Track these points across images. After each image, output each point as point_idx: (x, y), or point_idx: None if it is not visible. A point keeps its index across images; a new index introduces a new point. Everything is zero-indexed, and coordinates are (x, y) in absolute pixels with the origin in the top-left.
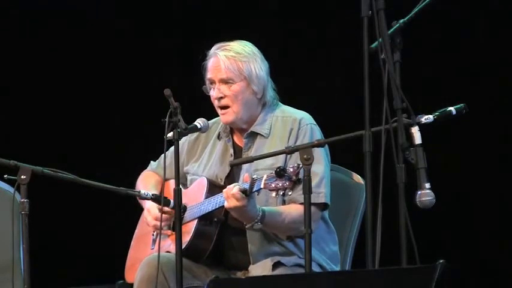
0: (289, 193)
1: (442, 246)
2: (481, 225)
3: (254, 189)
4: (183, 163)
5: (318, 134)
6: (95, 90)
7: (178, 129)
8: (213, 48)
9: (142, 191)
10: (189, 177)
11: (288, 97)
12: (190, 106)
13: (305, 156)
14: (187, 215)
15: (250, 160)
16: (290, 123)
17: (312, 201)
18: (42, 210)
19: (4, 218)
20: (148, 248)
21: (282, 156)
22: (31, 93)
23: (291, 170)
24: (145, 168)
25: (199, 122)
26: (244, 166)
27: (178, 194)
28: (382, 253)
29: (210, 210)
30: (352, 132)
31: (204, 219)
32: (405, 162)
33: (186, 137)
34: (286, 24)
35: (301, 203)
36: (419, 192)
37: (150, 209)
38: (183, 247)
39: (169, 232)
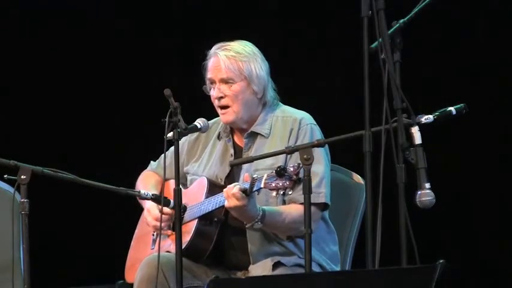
0: (290, 192)
1: (442, 246)
2: (481, 225)
3: (254, 189)
4: (183, 163)
5: (318, 134)
6: (95, 90)
7: (178, 129)
8: (213, 48)
9: (142, 191)
10: (189, 177)
11: (288, 97)
12: (190, 106)
13: (305, 156)
14: (187, 215)
15: (250, 160)
16: (290, 123)
17: (312, 201)
18: (42, 210)
19: (4, 218)
20: (148, 248)
21: (282, 156)
22: (31, 93)
23: (291, 169)
24: (146, 168)
25: (199, 122)
26: (245, 166)
27: (178, 194)
28: (382, 253)
29: (210, 210)
30: (352, 132)
31: (204, 219)
32: (405, 162)
33: (186, 137)
34: (286, 24)
35: (301, 203)
36: (419, 192)
37: (150, 209)
38: (183, 247)
39: (169, 232)
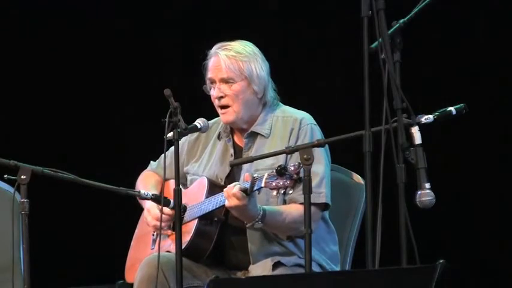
0: (290, 192)
1: (442, 246)
2: (481, 225)
3: (255, 188)
4: (183, 163)
5: (318, 134)
6: (95, 90)
7: (178, 129)
8: (213, 47)
9: (142, 191)
10: (189, 177)
11: (288, 97)
12: (190, 106)
13: (305, 156)
14: (187, 215)
15: (251, 160)
16: (291, 123)
17: (313, 201)
18: (42, 210)
19: (4, 218)
20: (149, 248)
21: (283, 156)
22: (31, 93)
23: (292, 168)
24: (146, 168)
25: (199, 122)
26: (245, 166)
27: (178, 194)
28: (382, 253)
29: (210, 209)
30: (352, 132)
31: (205, 218)
32: (405, 162)
33: (186, 137)
34: (286, 24)
35: (301, 203)
36: (419, 192)
37: (150, 209)
38: (183, 247)
39: (169, 232)
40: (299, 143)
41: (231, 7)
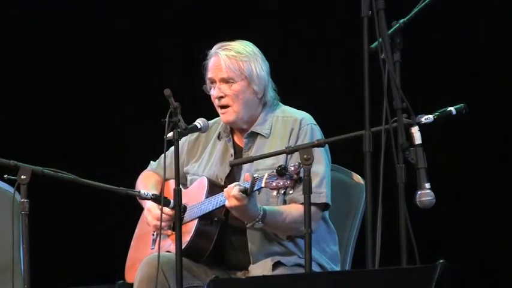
0: (290, 192)
1: (442, 246)
2: (481, 225)
3: (255, 188)
4: (183, 163)
5: (318, 134)
6: (95, 90)
7: (178, 129)
8: (214, 47)
9: (142, 191)
10: (189, 178)
11: (288, 97)
12: (190, 106)
13: (305, 156)
14: (187, 215)
15: (251, 160)
16: (291, 123)
17: (313, 201)
18: (42, 210)
19: (4, 218)
20: (149, 248)
21: (283, 157)
22: (31, 93)
23: (292, 168)
24: (146, 168)
25: (199, 122)
26: (245, 166)
27: (178, 194)
28: (382, 253)
29: (210, 209)
30: (352, 132)
31: (205, 218)
32: (405, 162)
33: (186, 137)
34: (286, 24)
35: (302, 203)
36: (419, 192)
37: (151, 209)
38: (183, 247)
39: (169, 232)
40: (299, 143)
41: (231, 7)
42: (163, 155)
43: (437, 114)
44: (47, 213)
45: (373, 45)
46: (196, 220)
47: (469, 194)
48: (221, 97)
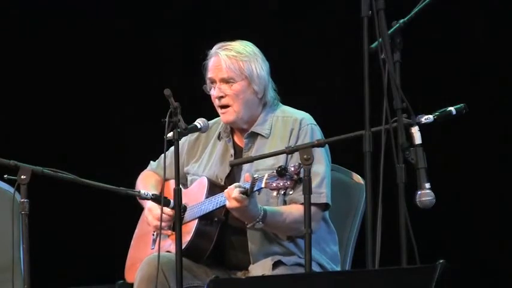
0: (290, 192)
1: (442, 246)
2: (481, 225)
3: (255, 189)
4: (183, 163)
5: (318, 134)
6: (95, 90)
7: (178, 129)
8: (214, 47)
9: (142, 191)
10: (189, 178)
11: (288, 97)
12: (190, 106)
13: (305, 156)
14: (187, 215)
15: (251, 160)
16: (291, 124)
17: (314, 201)
18: (42, 210)
19: (4, 218)
20: (149, 248)
21: (283, 157)
22: (31, 93)
23: (292, 169)
24: (146, 168)
25: (199, 122)
26: (245, 166)
27: (178, 194)
28: (382, 253)
29: (210, 209)
30: (352, 132)
31: (205, 219)
32: (405, 162)
33: (186, 137)
34: (286, 24)
35: (302, 203)
36: (419, 192)
37: (152, 209)
38: (183, 247)
39: (169, 232)
40: (299, 143)
41: (231, 7)
42: (163, 155)
43: (437, 114)
44: (47, 213)
45: (373, 45)
46: (197, 220)
47: (469, 194)
48: (221, 97)
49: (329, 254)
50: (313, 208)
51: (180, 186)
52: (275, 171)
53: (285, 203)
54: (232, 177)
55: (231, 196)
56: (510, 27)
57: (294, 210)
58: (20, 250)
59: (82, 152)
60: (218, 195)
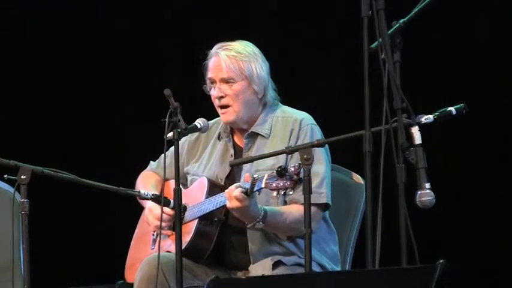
0: (290, 193)
1: (442, 246)
2: (481, 225)
3: (255, 189)
4: (183, 163)
5: (318, 135)
6: (95, 90)
7: (178, 129)
8: (214, 47)
9: (142, 191)
10: (189, 178)
11: (288, 97)
12: (190, 106)
13: (305, 156)
14: (187, 215)
15: (251, 160)
16: (291, 124)
17: (314, 201)
18: (42, 210)
19: (4, 218)
20: (149, 248)
21: (283, 157)
22: (31, 93)
23: (292, 169)
24: (145, 168)
25: (199, 122)
26: (245, 166)
27: (178, 194)
28: (382, 253)
29: (210, 210)
30: (352, 132)
31: (205, 219)
32: (405, 162)
33: (186, 137)
34: (286, 24)
35: (302, 203)
36: (419, 192)
37: (152, 209)
38: (183, 247)
39: (169, 232)
40: (299, 143)
41: (231, 7)
42: (163, 155)
43: (437, 114)
44: (47, 213)
45: (373, 45)
46: (197, 220)
47: (469, 194)
48: (221, 97)
49: (329, 254)
50: (313, 208)
51: (180, 186)
52: (275, 171)
53: (285, 203)
54: (232, 177)
55: (231, 196)
56: (510, 27)
57: (294, 210)
58: (20, 250)
59: (82, 152)
60: (218, 195)
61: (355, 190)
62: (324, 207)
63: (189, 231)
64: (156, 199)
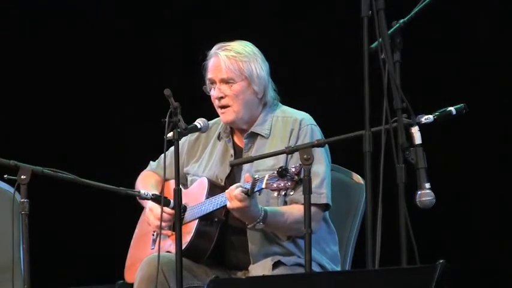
0: (291, 193)
1: (442, 246)
2: (481, 225)
3: (256, 189)
4: (183, 163)
5: (318, 135)
6: (95, 90)
7: (178, 129)
8: (213, 48)
9: (142, 191)
10: (189, 178)
11: (288, 97)
12: (190, 106)
13: (305, 156)
14: (187, 215)
15: (251, 160)
16: (291, 124)
17: (314, 201)
18: (42, 210)
19: (4, 218)
20: (148, 248)
21: (283, 157)
22: (31, 93)
23: (293, 169)
24: (145, 168)
25: (199, 122)
26: (245, 167)
27: (178, 194)
28: (382, 253)
29: (211, 210)
30: (352, 132)
31: (205, 219)
32: (405, 162)
33: (186, 137)
34: (286, 24)
35: (303, 204)
36: (419, 192)
37: (153, 208)
38: (183, 247)
39: (169, 232)
40: (299, 143)
41: (231, 7)
42: (163, 155)
43: (437, 114)
44: (47, 213)
45: (373, 45)
46: (197, 220)
47: (469, 194)
48: (221, 97)
49: (329, 254)
50: (313, 208)
51: (180, 186)
52: (276, 172)
53: (285, 203)
54: (232, 177)
55: (232, 196)
56: (510, 27)
57: (295, 210)
58: (20, 250)
59: (82, 152)
60: (218, 196)
61: (355, 190)
62: (324, 207)
63: (189, 231)
64: (156, 199)
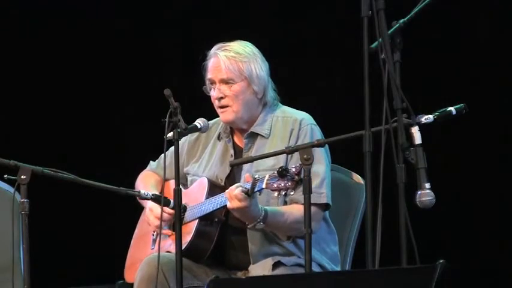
0: (291, 193)
1: (442, 246)
2: (481, 225)
3: (256, 189)
4: (183, 163)
5: (318, 135)
6: (95, 90)
7: (178, 129)
8: (213, 48)
9: (142, 191)
10: (189, 178)
11: (288, 97)
12: (190, 106)
13: (305, 156)
14: (187, 215)
15: (251, 160)
16: (291, 124)
17: (314, 201)
18: (42, 210)
19: (4, 218)
20: (148, 248)
21: (283, 157)
22: (31, 93)
23: (293, 169)
24: (145, 168)
25: (199, 122)
26: (245, 167)
27: (178, 194)
28: (382, 253)
29: (211, 210)
30: (352, 132)
31: (205, 219)
32: (405, 162)
33: (186, 137)
34: (286, 24)
35: (303, 203)
36: (419, 192)
37: (153, 208)
38: (183, 247)
39: (169, 232)
40: (299, 143)
41: (231, 7)
42: (163, 155)
43: (437, 114)
44: (47, 213)
45: (373, 45)
46: (197, 221)
47: (469, 194)
48: (221, 98)
49: (329, 254)
50: (313, 208)
51: (180, 186)
52: (276, 172)
53: (285, 203)
54: (232, 177)
55: (232, 196)
56: (510, 27)
57: (295, 210)
58: (20, 250)
59: (82, 152)
60: (218, 196)
61: (355, 190)
62: (324, 207)
63: (189, 231)
64: (156, 199)
